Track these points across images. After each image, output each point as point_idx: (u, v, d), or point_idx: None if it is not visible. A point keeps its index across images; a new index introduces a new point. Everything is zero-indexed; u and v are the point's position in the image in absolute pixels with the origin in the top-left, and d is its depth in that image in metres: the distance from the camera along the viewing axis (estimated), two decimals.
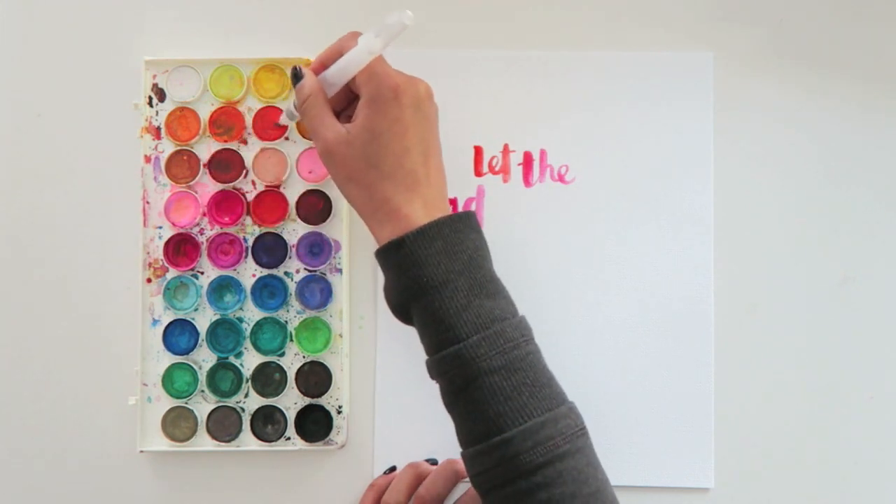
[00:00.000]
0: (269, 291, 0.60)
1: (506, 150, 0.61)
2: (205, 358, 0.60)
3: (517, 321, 0.49)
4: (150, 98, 0.60)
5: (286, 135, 0.60)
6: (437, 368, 0.49)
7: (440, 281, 0.48)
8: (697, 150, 0.60)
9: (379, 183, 0.50)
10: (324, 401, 0.59)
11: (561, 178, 0.61)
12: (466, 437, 0.48)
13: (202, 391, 0.59)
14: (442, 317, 0.48)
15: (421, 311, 0.49)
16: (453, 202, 0.61)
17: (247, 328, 0.60)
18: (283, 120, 0.58)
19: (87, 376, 0.60)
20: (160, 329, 0.59)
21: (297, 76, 0.52)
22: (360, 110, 0.50)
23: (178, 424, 0.59)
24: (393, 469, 0.59)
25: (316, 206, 0.60)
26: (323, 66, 0.52)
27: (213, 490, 0.60)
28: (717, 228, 0.60)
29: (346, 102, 0.53)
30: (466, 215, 0.51)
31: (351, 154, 0.50)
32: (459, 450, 0.57)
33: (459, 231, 0.49)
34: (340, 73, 0.51)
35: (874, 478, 0.59)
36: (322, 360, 0.60)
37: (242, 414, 0.59)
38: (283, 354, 0.60)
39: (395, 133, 0.49)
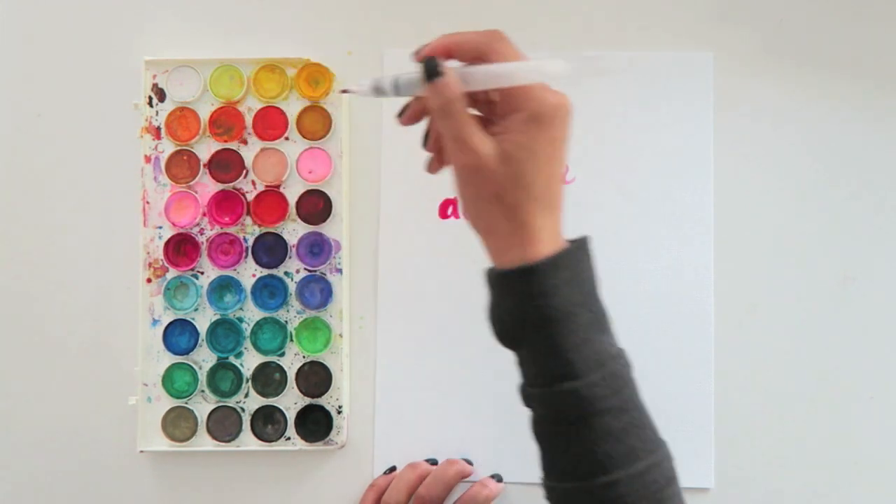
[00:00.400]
0: (269, 291, 0.60)
1: None
2: (205, 358, 0.60)
3: (623, 357, 0.48)
4: (150, 98, 0.60)
5: (286, 135, 0.60)
6: (546, 401, 0.47)
7: (564, 313, 0.46)
8: (697, 150, 0.60)
9: (525, 204, 0.46)
10: (324, 401, 0.59)
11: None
12: (562, 471, 0.47)
13: (202, 391, 0.59)
14: (560, 350, 0.46)
15: (537, 341, 0.47)
16: (453, 202, 0.61)
17: (247, 328, 0.60)
18: (362, 89, 0.47)
19: (87, 376, 0.60)
20: (160, 329, 0.59)
21: (434, 71, 0.45)
22: (516, 125, 0.46)
23: (178, 424, 0.59)
24: (393, 469, 0.59)
25: (316, 206, 0.60)
26: (447, 53, 0.46)
27: (213, 490, 0.60)
28: (717, 228, 0.60)
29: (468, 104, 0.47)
30: (584, 242, 0.48)
31: (503, 172, 0.45)
32: (461, 454, 0.58)
33: (581, 260, 0.48)
34: (492, 79, 0.45)
35: (874, 478, 0.59)
36: (322, 360, 0.60)
37: (242, 414, 0.59)
38: (283, 354, 0.60)
39: (550, 154, 0.46)
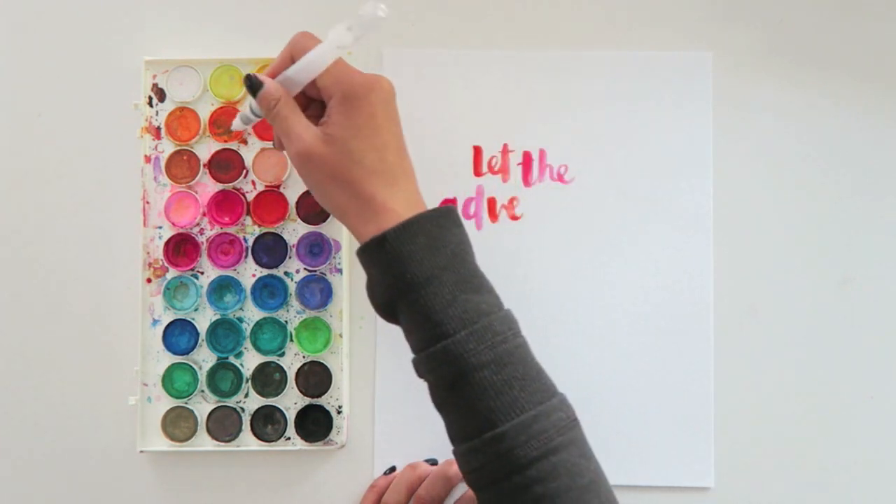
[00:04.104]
0: (269, 291, 0.60)
1: (505, 150, 0.61)
2: (205, 358, 0.60)
3: (503, 315, 0.48)
4: (150, 98, 0.60)
5: None
6: (426, 366, 0.48)
7: (425, 277, 0.47)
8: (697, 150, 0.60)
9: (364, 179, 0.49)
10: (324, 401, 0.59)
11: (560, 178, 0.61)
12: (458, 434, 0.48)
13: (202, 391, 0.59)
14: (428, 313, 0.47)
15: (406, 309, 0.48)
16: (453, 202, 0.61)
17: (247, 328, 0.60)
18: (236, 125, 0.54)
19: (87, 376, 0.60)
20: (160, 329, 0.59)
21: (254, 84, 0.50)
22: (333, 109, 0.49)
23: (178, 424, 0.59)
24: (393, 469, 0.59)
25: (316, 206, 0.60)
26: (275, 74, 0.51)
27: (213, 490, 0.60)
28: (716, 228, 0.60)
29: (303, 107, 0.52)
30: (448, 210, 0.50)
31: (332, 152, 0.49)
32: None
33: (442, 226, 0.49)
34: (305, 71, 0.49)
35: (874, 478, 0.59)
36: (322, 360, 0.60)
37: (242, 414, 0.59)
38: (283, 354, 0.60)
39: (373, 129, 0.49)
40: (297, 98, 0.51)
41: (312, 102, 0.52)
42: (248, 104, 0.52)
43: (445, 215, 0.50)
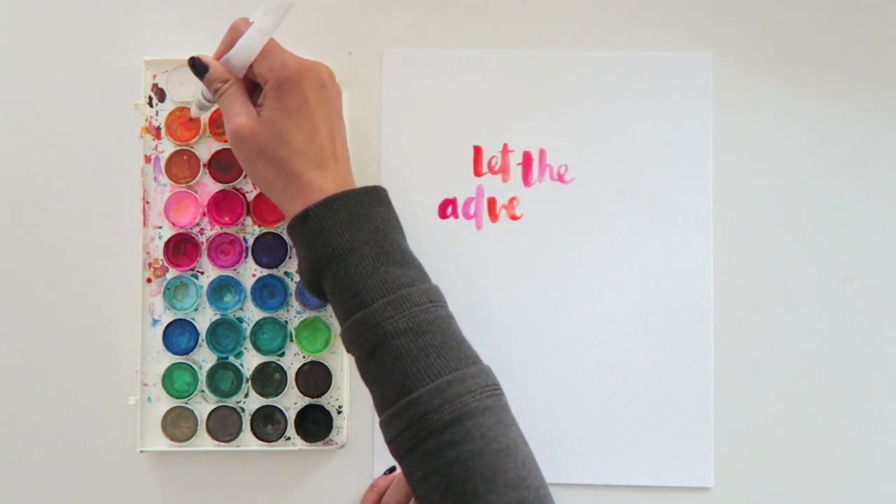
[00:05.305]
0: (269, 291, 0.60)
1: (505, 150, 0.61)
2: (205, 358, 0.60)
3: (426, 288, 0.49)
4: (150, 98, 0.60)
5: None
6: (348, 337, 0.49)
7: (345, 249, 0.49)
8: (697, 150, 0.60)
9: (292, 158, 0.51)
10: (324, 401, 0.59)
11: (560, 178, 0.61)
12: (379, 403, 0.49)
13: (202, 391, 0.59)
14: (348, 284, 0.49)
15: (329, 282, 0.50)
16: (453, 202, 0.61)
17: (247, 328, 0.60)
18: (194, 112, 0.57)
19: (87, 376, 0.60)
20: (160, 329, 0.59)
21: (200, 67, 0.53)
22: (267, 94, 0.51)
23: (178, 424, 0.59)
24: (393, 469, 0.59)
25: None
26: (219, 57, 0.54)
27: (213, 490, 0.60)
28: (716, 228, 0.60)
29: (250, 91, 0.54)
30: (375, 189, 0.52)
31: (262, 131, 0.51)
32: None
33: (366, 203, 0.51)
34: (240, 56, 0.52)
35: (874, 478, 0.59)
36: (322, 360, 0.60)
37: (242, 414, 0.59)
38: (283, 354, 0.60)
39: (304, 112, 0.51)
40: (245, 82, 0.53)
41: (258, 87, 0.54)
42: (201, 91, 0.55)
43: (371, 193, 0.51)
